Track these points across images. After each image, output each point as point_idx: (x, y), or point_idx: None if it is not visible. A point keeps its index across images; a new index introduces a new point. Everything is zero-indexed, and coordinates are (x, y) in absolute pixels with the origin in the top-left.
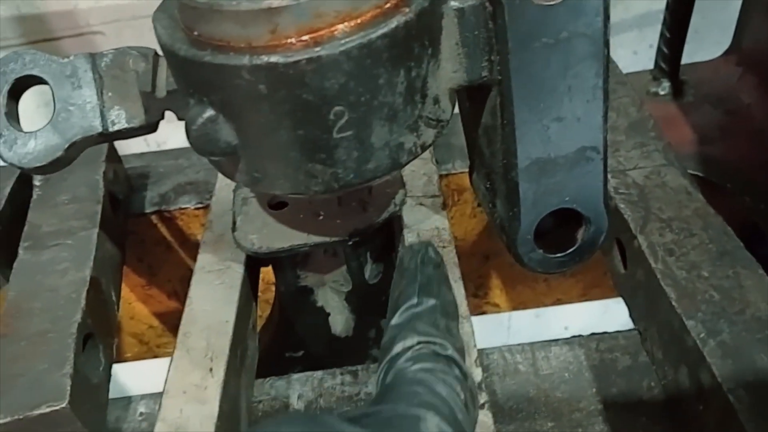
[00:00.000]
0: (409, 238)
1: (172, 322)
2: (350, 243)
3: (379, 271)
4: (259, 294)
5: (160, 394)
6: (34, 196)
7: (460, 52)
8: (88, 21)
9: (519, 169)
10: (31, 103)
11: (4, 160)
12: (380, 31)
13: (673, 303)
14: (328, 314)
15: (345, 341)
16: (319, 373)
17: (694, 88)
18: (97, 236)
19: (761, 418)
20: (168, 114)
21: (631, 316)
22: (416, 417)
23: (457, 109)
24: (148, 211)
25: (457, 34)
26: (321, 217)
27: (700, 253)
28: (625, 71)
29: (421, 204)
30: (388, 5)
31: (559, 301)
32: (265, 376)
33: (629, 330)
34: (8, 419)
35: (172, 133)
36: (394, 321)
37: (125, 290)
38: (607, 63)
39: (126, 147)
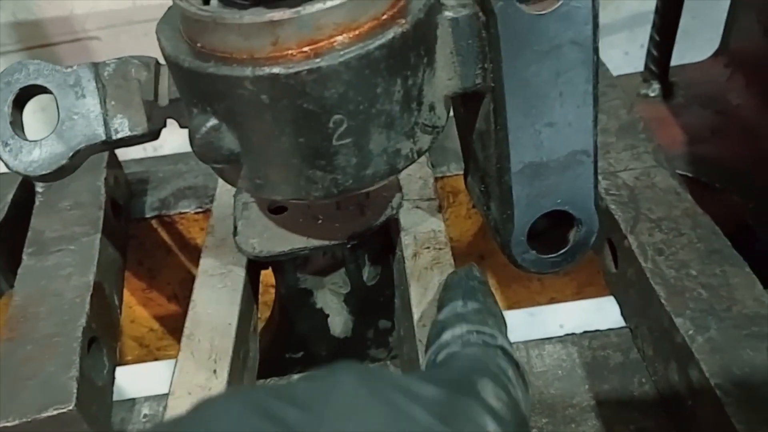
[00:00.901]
0: (406, 240)
1: (172, 325)
2: (349, 246)
3: (377, 272)
4: (259, 296)
5: (163, 396)
6: (37, 203)
7: (454, 61)
8: (84, 26)
9: (512, 172)
10: (27, 107)
11: (10, 169)
12: (378, 42)
13: (663, 301)
14: (328, 315)
15: (344, 342)
16: None
17: (684, 89)
18: (100, 241)
19: (748, 412)
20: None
21: (622, 314)
22: (472, 380)
23: (451, 113)
24: (148, 215)
25: (451, 43)
26: (320, 221)
27: (688, 252)
28: (616, 71)
29: (417, 207)
30: (385, 17)
31: (553, 300)
32: (266, 377)
33: (621, 328)
34: (17, 422)
35: (168, 137)
36: (440, 317)
37: (126, 294)
38: (597, 69)
39: (125, 152)
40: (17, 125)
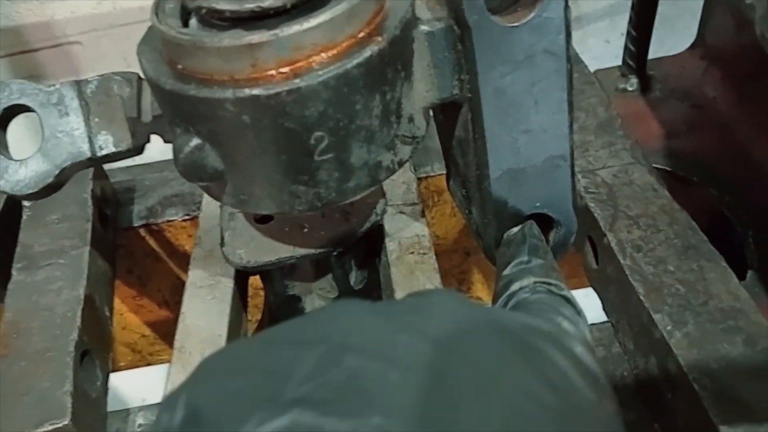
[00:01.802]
0: (391, 246)
1: (163, 330)
2: (335, 253)
3: (364, 277)
4: (249, 299)
5: (157, 406)
6: (25, 216)
7: (431, 73)
8: (64, 31)
9: (491, 179)
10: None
11: None
12: (356, 61)
13: (642, 297)
14: None
15: None
16: None
17: (661, 83)
18: (89, 254)
19: (724, 404)
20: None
21: (604, 309)
22: (550, 318)
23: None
24: (136, 224)
25: (428, 56)
26: (306, 230)
27: (666, 248)
28: (597, 60)
29: (401, 212)
30: (362, 35)
31: None
32: None
33: (603, 322)
34: None
35: (154, 140)
36: (506, 272)
37: (117, 302)
38: (571, 76)
39: None
40: (2, 145)
